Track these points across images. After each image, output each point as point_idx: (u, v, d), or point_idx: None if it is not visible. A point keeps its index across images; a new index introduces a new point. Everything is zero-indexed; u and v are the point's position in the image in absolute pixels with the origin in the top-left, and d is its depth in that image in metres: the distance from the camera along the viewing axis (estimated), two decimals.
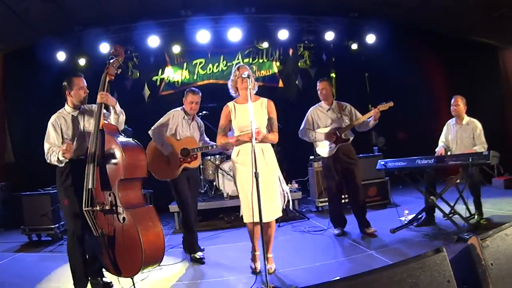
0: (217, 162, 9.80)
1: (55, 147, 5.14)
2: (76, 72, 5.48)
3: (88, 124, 5.46)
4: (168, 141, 6.78)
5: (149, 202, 9.28)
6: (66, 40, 12.26)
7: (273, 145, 5.71)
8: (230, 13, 12.10)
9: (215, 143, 6.36)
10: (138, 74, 13.12)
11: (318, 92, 7.50)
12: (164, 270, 6.17)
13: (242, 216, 5.60)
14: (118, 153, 5.07)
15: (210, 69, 13.60)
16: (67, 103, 5.44)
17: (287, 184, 10.14)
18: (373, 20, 12.90)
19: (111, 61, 5.48)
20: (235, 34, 12.59)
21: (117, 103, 5.45)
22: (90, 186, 4.97)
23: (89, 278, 5.38)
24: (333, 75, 14.08)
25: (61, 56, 12.16)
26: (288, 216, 9.05)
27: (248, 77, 5.18)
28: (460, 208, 7.11)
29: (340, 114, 7.37)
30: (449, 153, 7.79)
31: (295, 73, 14.09)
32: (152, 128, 6.83)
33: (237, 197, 6.04)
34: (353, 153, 7.45)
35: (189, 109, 6.87)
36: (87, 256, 5.37)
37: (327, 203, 9.62)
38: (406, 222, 7.48)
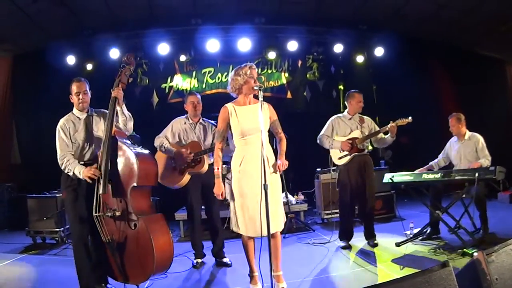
0: (223, 172, 9.72)
1: (70, 157, 5.27)
2: (77, 76, 5.54)
3: (96, 128, 5.55)
4: (172, 148, 6.88)
5: (156, 209, 9.31)
6: (76, 44, 12.31)
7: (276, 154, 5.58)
8: (240, 23, 12.12)
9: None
10: (147, 81, 13.17)
11: (354, 102, 7.50)
12: (169, 278, 6.16)
13: (231, 227, 5.41)
14: (132, 161, 5.17)
15: (219, 78, 13.61)
16: (74, 106, 5.56)
17: (293, 195, 10.19)
18: (382, 33, 12.92)
19: (123, 69, 5.58)
20: (244, 44, 12.65)
21: (124, 105, 5.55)
22: (101, 192, 5.03)
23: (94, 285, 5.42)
24: (341, 87, 14.12)
25: (70, 60, 12.21)
26: (293, 227, 9.06)
27: (260, 88, 5.03)
28: (466, 222, 7.11)
29: (360, 125, 7.42)
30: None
31: (303, 84, 14.11)
32: (156, 137, 7.04)
33: None
34: (370, 164, 7.46)
35: (192, 111, 6.99)
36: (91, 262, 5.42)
37: (332, 215, 9.66)
38: (411, 236, 7.47)
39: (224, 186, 9.61)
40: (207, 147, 6.91)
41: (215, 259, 7.06)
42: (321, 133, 7.64)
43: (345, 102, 7.68)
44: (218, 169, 5.29)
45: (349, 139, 7.35)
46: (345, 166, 7.41)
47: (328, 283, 5.64)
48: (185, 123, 7.05)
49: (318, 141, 7.67)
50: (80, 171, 5.14)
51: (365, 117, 7.60)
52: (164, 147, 6.87)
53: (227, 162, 7.38)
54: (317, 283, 5.67)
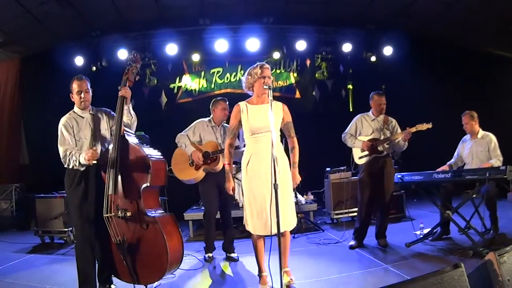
0: (232, 172, 9.73)
1: (72, 149, 5.22)
2: (78, 74, 5.51)
3: (100, 127, 5.53)
4: (193, 146, 7.18)
5: (165, 209, 9.30)
6: (84, 46, 12.38)
7: (287, 153, 5.57)
8: (248, 23, 12.12)
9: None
10: (155, 81, 13.18)
11: (374, 104, 7.53)
12: (177, 278, 6.14)
13: (245, 226, 5.44)
14: (144, 161, 5.17)
15: (227, 78, 13.64)
16: (75, 104, 5.51)
17: (302, 195, 10.15)
18: (390, 32, 12.91)
19: (130, 67, 5.58)
20: (253, 44, 12.66)
21: (130, 104, 5.56)
22: (111, 192, 5.03)
23: (99, 285, 5.41)
24: (350, 86, 14.09)
25: (78, 61, 12.27)
26: (303, 227, 9.02)
27: (270, 88, 5.02)
28: (476, 222, 7.06)
29: (383, 127, 7.40)
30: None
31: (312, 84, 14.10)
32: (178, 134, 7.37)
33: None
34: (389, 165, 7.46)
35: (223, 116, 7.36)
36: (97, 263, 5.41)
37: (342, 215, 9.63)
38: (421, 236, 7.42)
39: (234, 185, 9.66)
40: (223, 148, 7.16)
41: (225, 253, 7.38)
42: (345, 131, 7.68)
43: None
44: (228, 164, 5.40)
45: (370, 140, 7.35)
46: (366, 166, 7.42)
47: (337, 283, 5.60)
48: (207, 125, 7.41)
49: (342, 138, 7.69)
50: (84, 157, 5.11)
51: (390, 118, 7.57)
52: (185, 145, 7.20)
53: (236, 162, 7.48)
54: (327, 284, 5.63)
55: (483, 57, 13.82)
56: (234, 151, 5.65)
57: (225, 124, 7.41)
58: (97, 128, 5.50)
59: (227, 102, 7.34)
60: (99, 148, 5.42)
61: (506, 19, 11.23)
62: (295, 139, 5.56)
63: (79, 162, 5.16)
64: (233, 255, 7.25)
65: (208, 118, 7.45)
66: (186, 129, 7.40)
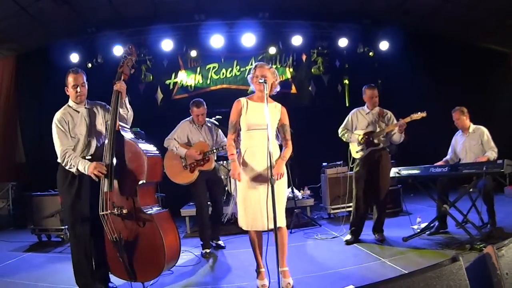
0: (229, 167, 9.70)
1: (71, 152, 5.06)
2: (73, 68, 5.37)
3: (95, 121, 5.39)
4: (183, 147, 7.40)
5: (161, 205, 9.29)
6: (80, 42, 12.37)
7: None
8: (244, 18, 12.10)
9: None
10: (151, 77, 13.18)
11: (366, 98, 7.50)
12: (175, 274, 6.12)
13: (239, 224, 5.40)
14: (140, 157, 5.09)
15: (223, 73, 13.56)
16: (70, 98, 5.35)
17: (299, 190, 10.13)
18: (387, 27, 12.88)
19: (125, 60, 5.51)
20: (248, 39, 12.65)
21: (127, 98, 5.47)
22: (106, 189, 4.94)
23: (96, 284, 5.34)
24: (346, 81, 14.09)
25: (74, 58, 12.25)
26: (300, 222, 9.02)
27: (265, 82, 5.02)
28: (473, 217, 7.06)
29: (378, 119, 7.39)
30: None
31: (308, 79, 14.09)
32: (166, 139, 7.52)
33: None
34: (385, 158, 7.43)
35: (196, 121, 7.50)
36: (93, 262, 5.33)
37: (339, 210, 9.60)
38: (418, 230, 7.42)
39: (230, 182, 9.69)
40: (213, 147, 7.37)
41: (212, 242, 7.66)
42: (341, 126, 7.69)
43: None
44: (232, 154, 5.31)
45: (366, 133, 7.35)
46: (362, 160, 7.41)
47: (335, 278, 5.59)
48: (192, 126, 7.54)
49: (339, 134, 7.69)
50: (85, 167, 4.93)
51: (386, 110, 7.53)
52: (176, 148, 7.36)
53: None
54: (324, 278, 5.63)
55: (481, 52, 13.81)
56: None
57: (207, 121, 7.60)
58: (93, 123, 5.36)
59: (201, 107, 7.33)
60: (94, 143, 5.32)
61: (503, 15, 11.21)
62: (289, 142, 5.48)
63: (77, 169, 5.01)
64: (220, 242, 7.69)
65: (189, 119, 7.57)
66: (172, 132, 7.53)
